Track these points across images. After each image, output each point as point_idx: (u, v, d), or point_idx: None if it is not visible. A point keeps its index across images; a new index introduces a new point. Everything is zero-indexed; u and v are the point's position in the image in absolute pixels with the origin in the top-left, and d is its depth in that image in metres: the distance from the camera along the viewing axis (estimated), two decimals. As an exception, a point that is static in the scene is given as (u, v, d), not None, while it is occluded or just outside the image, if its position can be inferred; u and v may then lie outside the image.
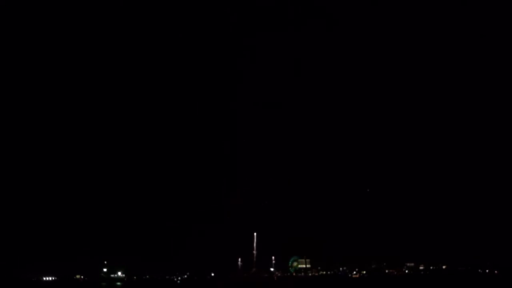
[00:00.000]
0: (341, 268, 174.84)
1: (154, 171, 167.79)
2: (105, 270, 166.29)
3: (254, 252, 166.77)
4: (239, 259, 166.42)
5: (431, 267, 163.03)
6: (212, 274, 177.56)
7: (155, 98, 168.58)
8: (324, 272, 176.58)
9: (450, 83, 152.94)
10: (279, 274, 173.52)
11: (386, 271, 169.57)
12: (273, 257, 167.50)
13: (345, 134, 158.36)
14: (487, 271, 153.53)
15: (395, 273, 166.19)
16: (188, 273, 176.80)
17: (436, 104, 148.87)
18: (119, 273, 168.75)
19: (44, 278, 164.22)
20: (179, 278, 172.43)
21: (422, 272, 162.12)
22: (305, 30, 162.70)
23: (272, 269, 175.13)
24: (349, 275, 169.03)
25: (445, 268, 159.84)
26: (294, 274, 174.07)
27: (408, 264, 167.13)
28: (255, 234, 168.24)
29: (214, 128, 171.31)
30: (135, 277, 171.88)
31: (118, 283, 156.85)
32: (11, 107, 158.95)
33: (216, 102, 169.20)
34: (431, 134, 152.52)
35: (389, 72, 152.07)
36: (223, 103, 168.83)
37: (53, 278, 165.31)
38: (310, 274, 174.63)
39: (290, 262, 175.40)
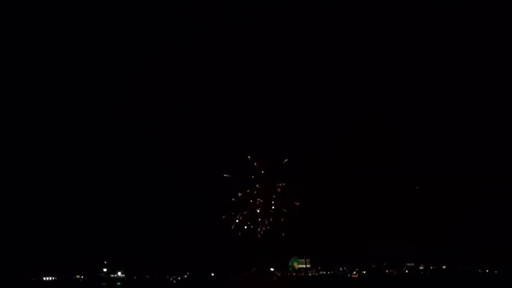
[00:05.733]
0: (341, 268, 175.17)
1: (154, 170, 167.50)
2: (105, 270, 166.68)
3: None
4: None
5: (431, 267, 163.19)
6: (212, 274, 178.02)
7: (154, 98, 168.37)
8: (324, 272, 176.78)
9: (452, 82, 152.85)
10: (279, 274, 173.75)
11: (386, 271, 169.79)
12: None
13: (345, 134, 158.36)
14: (487, 271, 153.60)
15: (395, 273, 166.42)
16: (188, 273, 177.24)
17: (435, 104, 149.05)
18: (119, 273, 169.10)
19: (44, 278, 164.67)
20: (179, 278, 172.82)
21: (422, 272, 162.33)
22: (306, 30, 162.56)
23: (272, 269, 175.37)
24: (349, 275, 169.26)
25: (445, 268, 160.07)
26: (294, 274, 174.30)
27: (408, 264, 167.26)
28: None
29: (214, 124, 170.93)
30: (135, 277, 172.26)
31: (118, 283, 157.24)
32: (10, 106, 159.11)
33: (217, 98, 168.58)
34: (431, 132, 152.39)
35: (390, 70, 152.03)
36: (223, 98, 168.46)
37: (53, 278, 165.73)
38: (310, 274, 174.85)
39: (290, 262, 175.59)
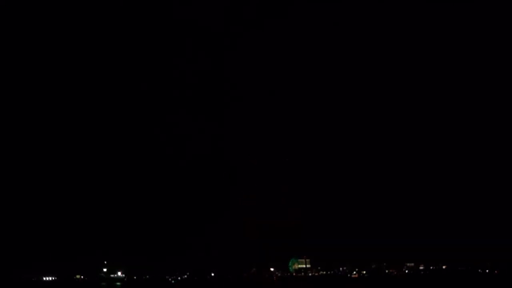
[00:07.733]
0: (341, 268, 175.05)
1: (154, 168, 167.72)
2: (105, 270, 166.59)
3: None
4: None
5: (431, 267, 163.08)
6: (212, 274, 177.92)
7: (156, 96, 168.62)
8: (324, 272, 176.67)
9: (452, 81, 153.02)
10: (279, 274, 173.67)
11: (386, 271, 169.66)
12: None
13: (345, 135, 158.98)
14: (487, 271, 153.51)
15: (395, 273, 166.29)
16: (188, 273, 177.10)
17: (436, 103, 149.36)
18: (119, 273, 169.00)
19: (44, 278, 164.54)
20: (179, 278, 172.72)
21: (422, 272, 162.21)
22: (308, 29, 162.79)
23: (272, 269, 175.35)
24: (349, 275, 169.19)
25: (445, 268, 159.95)
26: (294, 274, 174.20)
27: (408, 264, 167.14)
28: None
29: (216, 120, 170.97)
30: (135, 277, 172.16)
31: (118, 283, 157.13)
32: (10, 106, 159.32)
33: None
34: (432, 132, 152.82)
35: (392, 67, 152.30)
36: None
37: (53, 278, 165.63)
38: (310, 274, 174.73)
39: (290, 262, 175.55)
